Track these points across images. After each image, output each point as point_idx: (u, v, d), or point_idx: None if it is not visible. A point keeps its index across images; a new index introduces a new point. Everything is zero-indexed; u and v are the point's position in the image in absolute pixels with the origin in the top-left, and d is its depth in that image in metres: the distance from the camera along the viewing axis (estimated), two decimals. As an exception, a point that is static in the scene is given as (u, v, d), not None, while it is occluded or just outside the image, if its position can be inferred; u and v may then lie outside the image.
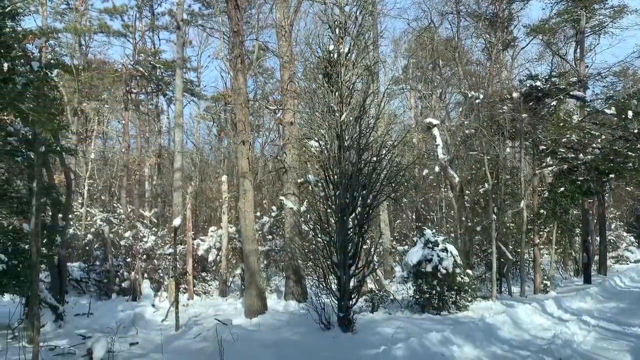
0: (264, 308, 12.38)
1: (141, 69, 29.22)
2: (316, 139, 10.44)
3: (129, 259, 17.03)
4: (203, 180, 32.70)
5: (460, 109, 20.21)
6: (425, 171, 21.12)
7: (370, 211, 10.12)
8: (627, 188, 30.63)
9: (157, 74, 30.65)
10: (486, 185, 15.88)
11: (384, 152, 9.96)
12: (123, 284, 16.13)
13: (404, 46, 31.90)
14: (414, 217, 31.21)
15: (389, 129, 10.96)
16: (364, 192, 9.84)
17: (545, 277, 17.76)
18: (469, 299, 12.97)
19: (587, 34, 25.48)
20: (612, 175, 17.44)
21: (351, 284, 9.93)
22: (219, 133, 34.04)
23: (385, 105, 11.92)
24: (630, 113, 15.72)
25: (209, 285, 18.40)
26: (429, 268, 12.30)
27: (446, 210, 29.06)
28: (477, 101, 15.99)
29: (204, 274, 18.88)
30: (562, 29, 26.91)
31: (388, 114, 14.27)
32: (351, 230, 9.86)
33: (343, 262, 9.67)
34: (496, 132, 16.81)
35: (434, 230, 14.65)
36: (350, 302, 9.70)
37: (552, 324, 10.94)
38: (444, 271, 12.22)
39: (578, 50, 24.72)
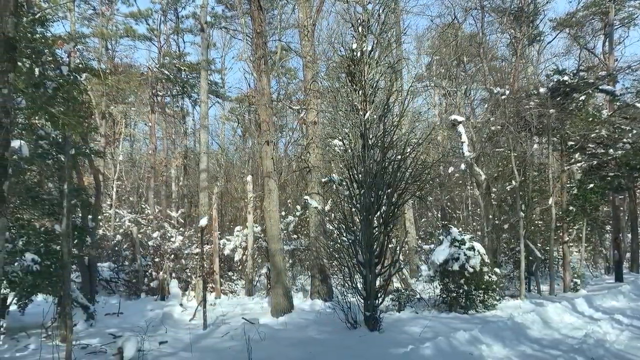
0: (290, 307, 12.43)
1: (166, 72, 29.64)
2: (340, 138, 10.44)
3: (157, 259, 17.31)
4: (228, 180, 33.00)
5: (486, 106, 19.93)
6: (451, 169, 20.89)
7: (396, 210, 10.08)
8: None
9: (182, 76, 31.06)
10: (513, 182, 15.62)
11: (409, 150, 9.89)
12: (151, 284, 16.40)
13: (427, 43, 31.67)
14: (439, 215, 30.94)
15: (413, 127, 10.86)
16: (388, 190, 9.80)
17: (575, 275, 17.40)
18: (497, 297, 12.81)
19: (616, 27, 24.92)
20: (644, 171, 16.97)
21: (377, 283, 9.90)
22: (244, 134, 34.29)
23: (409, 103, 11.82)
24: (662, 106, 15.30)
25: (236, 285, 18.57)
26: (455, 267, 12.18)
27: (472, 208, 28.74)
28: (502, 97, 15.73)
29: (230, 273, 19.07)
30: (590, 22, 26.38)
31: (412, 112, 14.18)
32: (376, 229, 9.84)
33: (369, 261, 9.65)
34: (523, 128, 16.53)
35: (460, 229, 14.51)
36: (377, 301, 9.68)
37: (583, 323, 10.72)
38: (471, 270, 12.09)
39: (607, 43, 24.18)
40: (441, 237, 13.17)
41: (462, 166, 16.11)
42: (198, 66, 26.38)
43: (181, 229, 21.70)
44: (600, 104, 18.79)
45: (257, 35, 12.38)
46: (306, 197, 14.40)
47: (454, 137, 21.63)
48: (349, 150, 10.15)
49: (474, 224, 25.07)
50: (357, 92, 10.06)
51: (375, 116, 9.99)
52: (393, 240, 12.13)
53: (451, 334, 8.10)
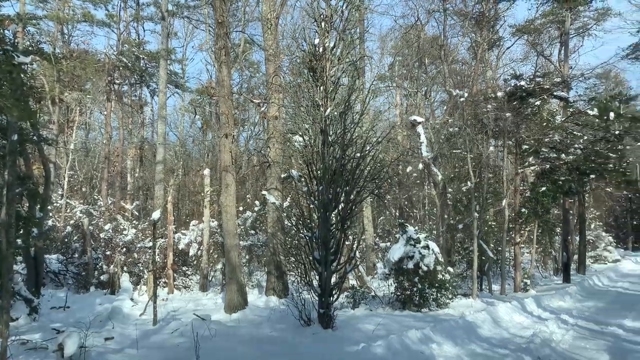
0: (244, 303, 12.26)
1: (124, 60, 28.76)
2: (300, 133, 10.33)
3: (108, 252, 16.77)
4: (186, 173, 32.40)
5: (445, 107, 20.23)
6: (409, 168, 21.12)
7: (353, 207, 10.07)
8: (607, 189, 31.01)
9: (141, 65, 30.21)
10: (469, 183, 15.92)
11: (368, 148, 9.88)
12: (102, 277, 15.90)
13: (390, 43, 31.92)
14: (397, 214, 31.27)
15: (374, 125, 10.87)
16: (347, 188, 9.77)
17: (526, 276, 17.90)
18: (450, 296, 13.01)
19: (571, 36, 25.74)
20: (592, 176, 17.62)
21: (332, 280, 9.87)
22: (204, 126, 33.71)
23: (371, 101, 11.84)
24: (612, 114, 15.88)
25: (190, 280, 18.23)
26: (410, 265, 12.30)
27: (429, 207, 29.17)
28: (461, 99, 15.99)
29: (184, 268, 18.69)
30: (547, 30, 27.14)
31: (373, 111, 14.22)
32: (334, 226, 9.80)
33: (325, 258, 9.60)
34: (480, 131, 16.86)
35: (417, 228, 14.67)
36: (331, 298, 9.64)
37: (531, 323, 11.00)
38: (425, 268, 12.24)
39: (562, 51, 24.95)
40: (397, 236, 13.27)
41: (420, 166, 16.29)
42: (157, 55, 25.70)
43: (135, 221, 21.11)
44: (555, 110, 19.36)
45: (219, 25, 12.12)
46: (264, 192, 14.23)
47: (413, 138, 21.87)
48: (309, 146, 10.06)
49: (430, 223, 25.44)
50: (318, 88, 9.97)
51: (336, 113, 9.93)
52: (350, 237, 12.12)
53: (403, 333, 8.14)
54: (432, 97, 29.50)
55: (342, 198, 9.80)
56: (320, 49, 9.96)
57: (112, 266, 15.78)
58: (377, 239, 25.49)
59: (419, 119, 18.53)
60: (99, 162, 30.06)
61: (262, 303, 13.41)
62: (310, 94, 9.94)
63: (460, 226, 17.60)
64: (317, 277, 9.82)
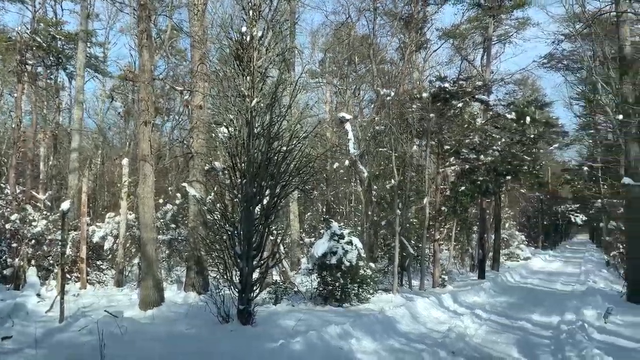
0: (160, 299, 11.75)
1: (39, 39, 26.80)
2: (225, 124, 9.99)
3: (14, 244, 15.53)
4: (105, 163, 30.83)
5: (373, 106, 20.51)
6: (336, 164, 21.24)
7: (278, 202, 9.88)
8: (521, 190, 32.88)
9: (58, 46, 28.29)
10: (392, 181, 16.20)
11: (295, 142, 9.72)
12: (5, 272, 14.69)
13: (321, 39, 31.99)
14: (324, 210, 31.44)
15: (301, 119, 10.74)
16: (272, 182, 9.57)
17: (444, 272, 18.54)
18: (371, 291, 13.17)
19: (493, 42, 26.92)
20: (508, 177, 18.51)
21: (254, 275, 9.64)
22: (126, 114, 32.17)
23: (299, 94, 11.70)
24: (528, 119, 16.74)
25: (105, 275, 17.31)
26: (333, 260, 12.31)
27: (355, 204, 29.56)
28: (388, 98, 16.25)
29: (99, 262, 17.72)
30: (472, 36, 28.27)
31: (302, 105, 14.12)
32: (257, 220, 9.56)
33: (246, 253, 9.35)
34: (405, 130, 17.22)
35: (342, 224, 14.74)
36: (252, 294, 9.42)
37: (447, 318, 11.34)
38: (347, 264, 12.29)
39: (485, 56, 26.03)
40: (322, 231, 13.25)
41: (346, 162, 16.38)
42: (76, 37, 24.16)
43: (46, 212, 19.74)
44: (475, 113, 20.15)
45: (141, 7, 11.49)
46: (185, 184, 13.72)
47: (342, 135, 22.02)
48: (234, 138, 9.75)
49: (356, 219, 25.77)
50: (244, 78, 9.68)
51: (262, 105, 9.69)
52: (274, 232, 11.93)
53: (323, 328, 8.08)
54: (361, 95, 29.91)
55: (266, 192, 9.58)
56: (248, 38, 9.67)
57: (17, 259, 14.63)
58: (304, 235, 25.47)
59: (347, 116, 18.66)
60: (7, 148, 27.90)
61: (181, 299, 12.95)
62: (236, 83, 9.63)
63: (383, 223, 17.91)
64: (238, 273, 9.55)
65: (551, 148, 31.70)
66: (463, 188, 17.90)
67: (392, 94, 16.33)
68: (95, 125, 32.92)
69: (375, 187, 19.46)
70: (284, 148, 9.63)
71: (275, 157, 9.62)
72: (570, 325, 9.47)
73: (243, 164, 9.55)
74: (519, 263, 29.89)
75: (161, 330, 9.05)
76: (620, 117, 13.27)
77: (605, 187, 31.94)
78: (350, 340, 7.88)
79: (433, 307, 12.26)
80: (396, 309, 10.90)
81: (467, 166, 17.77)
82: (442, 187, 18.90)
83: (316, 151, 13.20)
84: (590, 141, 37.68)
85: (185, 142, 16.63)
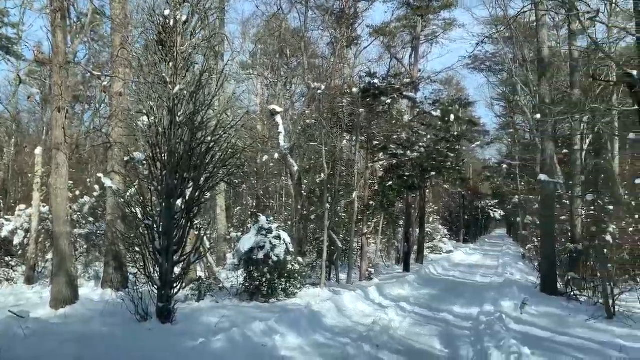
0: (74, 297, 11.03)
1: (-60, 15, 24.43)
2: (145, 112, 9.45)
3: None
4: (19, 152, 28.69)
5: (304, 99, 20.38)
6: (265, 157, 20.93)
7: (202, 194, 9.48)
8: (445, 186, 34.06)
9: (-37, 23, 25.94)
10: (322, 175, 16.16)
11: (220, 132, 9.36)
12: None
13: (252, 30, 31.41)
14: (254, 204, 31.02)
15: (227, 108, 10.38)
16: (195, 173, 9.16)
17: (371, 265, 18.78)
18: (299, 286, 13.04)
19: (421, 42, 27.57)
20: (433, 173, 19.01)
21: (175, 271, 9.21)
22: (43, 102, 30.07)
23: (227, 83, 11.32)
24: (452, 117, 17.25)
25: (14, 272, 16.09)
26: (260, 255, 12.06)
27: (286, 198, 29.38)
28: (319, 92, 16.15)
29: (8, 258, 16.44)
30: (401, 34, 28.81)
31: (231, 95, 13.72)
32: (178, 214, 9.13)
33: (167, 248, 8.90)
34: (335, 125, 17.22)
35: (271, 218, 14.51)
36: (172, 291, 8.99)
37: (373, 311, 11.42)
38: (275, 258, 12.08)
39: (413, 55, 26.64)
40: (249, 225, 12.97)
41: (276, 155, 16.14)
42: (-16, 14, 22.21)
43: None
44: (403, 110, 20.54)
45: (54, -16, 10.65)
46: (100, 175, 12.94)
47: (273, 128, 21.72)
48: (154, 127, 9.24)
49: (286, 213, 25.60)
50: (167, 64, 9.20)
51: (186, 92, 9.25)
52: (198, 226, 11.51)
53: (247, 325, 7.85)
54: (293, 89, 29.69)
55: (189, 184, 9.17)
56: (171, 22, 9.19)
57: None
58: (232, 230, 24.97)
59: (278, 109, 18.40)
60: None
61: (97, 297, 12.24)
62: (157, 68, 9.12)
63: (313, 217, 17.86)
64: (157, 269, 9.08)
65: (473, 146, 33.10)
66: (390, 183, 18.17)
67: (323, 87, 16.23)
68: (7, 112, 30.55)
69: (305, 181, 19.37)
70: (209, 138, 9.25)
71: (199, 148, 9.22)
72: (489, 317, 9.81)
73: (164, 155, 9.08)
74: (442, 256, 30.91)
75: (73, 330, 8.44)
76: (538, 116, 13.93)
77: (522, 184, 33.71)
78: (275, 337, 7.69)
79: (359, 300, 12.33)
80: (323, 303, 10.84)
81: (394, 162, 18.06)
82: (370, 181, 19.12)
83: (244, 143, 12.83)
84: (510, 140, 39.64)
85: (103, 130, 15.71)
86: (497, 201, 52.47)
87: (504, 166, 37.06)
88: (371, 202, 18.52)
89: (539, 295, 13.94)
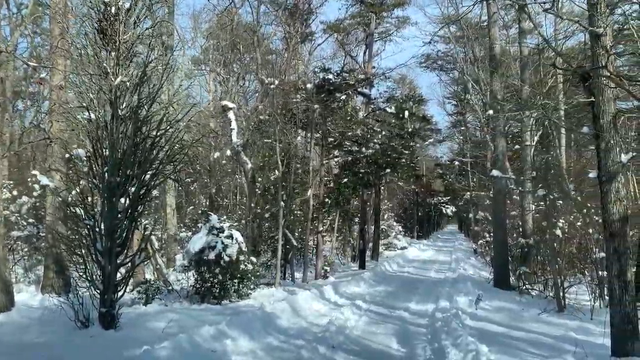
0: (9, 304, 10.24)
1: None
2: (85, 105, 8.85)
3: None
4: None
5: (257, 95, 19.94)
6: (217, 154, 20.36)
7: (147, 192, 8.98)
8: (399, 183, 34.29)
9: None
10: (276, 172, 15.81)
11: (166, 126, 8.87)
12: None
13: (204, 25, 30.61)
14: (207, 203, 30.27)
15: (174, 101, 9.88)
16: (139, 170, 8.65)
17: (327, 263, 18.58)
18: (252, 286, 12.66)
19: (375, 39, 27.58)
20: (388, 170, 18.99)
21: (119, 274, 8.68)
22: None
23: (173, 74, 10.81)
24: (407, 113, 17.27)
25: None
26: (212, 255, 11.61)
27: (240, 197, 28.80)
28: (272, 86, 15.77)
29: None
30: (355, 31, 28.76)
31: (178, 86, 13.17)
32: (122, 213, 8.59)
33: (109, 249, 8.36)
34: (289, 121, 16.90)
35: (224, 217, 14.07)
36: (115, 295, 8.45)
37: (328, 310, 11.19)
38: (227, 259, 11.66)
39: (367, 53, 26.57)
40: (200, 225, 12.48)
41: (228, 152, 15.67)
42: None
43: None
44: (358, 107, 20.43)
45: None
46: (36, 172, 12.15)
47: (225, 124, 21.17)
48: (95, 121, 8.67)
49: (240, 212, 25.07)
50: (108, 54, 8.63)
51: (129, 84, 8.72)
52: (144, 226, 10.95)
53: (195, 330, 7.43)
54: (246, 85, 29.13)
55: (133, 182, 8.64)
56: (113, 10, 8.63)
57: None
58: (185, 229, 24.25)
59: (231, 105, 17.94)
60: None
61: (37, 302, 11.43)
62: (97, 58, 8.55)
63: (267, 215, 17.47)
64: (100, 272, 8.52)
65: (426, 143, 33.44)
66: (346, 180, 18.03)
67: (277, 82, 15.87)
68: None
69: (260, 179, 18.98)
70: (154, 133, 8.75)
71: (144, 143, 8.72)
72: (445, 313, 9.75)
73: (106, 150, 8.52)
74: (397, 252, 31.08)
75: (5, 341, 7.79)
76: (491, 112, 14.07)
77: (475, 180, 34.36)
78: (225, 341, 7.30)
79: (314, 299, 12.07)
80: (277, 304, 10.51)
81: (350, 158, 17.92)
82: (326, 179, 18.90)
83: (191, 137, 12.25)
84: (461, 137, 40.38)
85: (42, 126, 14.79)
86: (449, 198, 53.46)
87: (456, 163, 37.72)
88: (327, 200, 18.31)
89: (492, 290, 14.09)
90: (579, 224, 16.42)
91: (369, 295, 13.62)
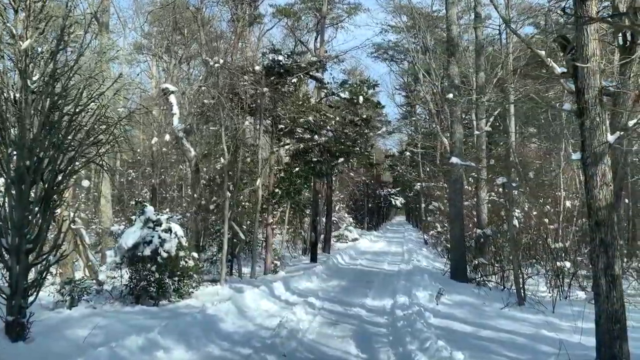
0: None
1: None
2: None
3: None
4: None
5: (201, 77, 18.55)
6: (155, 139, 18.86)
7: (65, 179, 7.65)
8: (350, 173, 33.67)
9: None
10: (222, 159, 14.62)
11: (87, 101, 7.57)
12: None
13: (147, 8, 28.79)
14: (150, 196, 28.61)
15: (97, 73, 8.56)
16: (54, 152, 7.32)
17: (277, 257, 17.57)
18: (194, 284, 11.49)
19: (326, 26, 26.67)
20: (341, 159, 18.09)
21: (30, 275, 7.35)
22: None
23: (94, 39, 9.45)
24: (361, 98, 16.41)
25: None
26: (147, 252, 10.37)
27: (186, 189, 27.29)
28: (216, 65, 14.48)
29: None
30: (306, 17, 27.76)
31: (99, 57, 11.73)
32: (34, 204, 7.24)
33: (17, 247, 7.01)
34: (237, 106, 15.69)
35: (167, 209, 12.82)
36: (25, 300, 7.12)
37: (279, 309, 10.23)
38: (165, 255, 10.45)
39: (318, 39, 25.62)
40: (134, 217, 11.18)
41: (167, 137, 14.34)
42: None
43: None
44: (310, 93, 19.43)
45: None
46: None
47: (167, 111, 19.68)
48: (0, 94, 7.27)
49: (185, 205, 23.66)
50: (16, 14, 7.24)
51: (41, 49, 7.36)
52: (63, 219, 9.56)
53: (120, 341, 6.26)
54: (191, 72, 27.58)
55: (47, 166, 7.31)
56: (21, -39, 7.23)
57: None
58: (125, 223, 22.55)
59: (172, 88, 16.58)
60: None
61: None
62: (3, 19, 7.15)
63: (213, 207, 16.22)
64: (6, 273, 7.17)
65: (379, 132, 32.92)
66: (297, 169, 17.02)
67: (222, 61, 14.60)
68: None
69: (205, 168, 17.73)
70: (73, 109, 7.44)
71: (61, 121, 7.39)
72: (406, 310, 8.96)
73: (14, 129, 7.15)
74: (348, 244, 30.47)
75: None
76: (450, 95, 13.41)
77: (426, 171, 34.16)
78: (157, 353, 6.20)
79: (263, 297, 11.06)
80: (221, 304, 9.43)
81: (301, 146, 16.91)
82: (276, 168, 17.81)
83: (118, 114, 10.75)
84: (413, 128, 40.22)
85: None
86: (399, 189, 53.50)
87: (407, 154, 37.48)
88: (277, 190, 17.21)
89: (449, 283, 13.51)
90: (534, 213, 16.19)
91: (322, 291, 12.74)
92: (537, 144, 20.92)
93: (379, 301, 11.33)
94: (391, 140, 53.27)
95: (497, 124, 17.76)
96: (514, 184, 10.77)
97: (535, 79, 17.70)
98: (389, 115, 45.08)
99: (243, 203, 17.27)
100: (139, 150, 27.35)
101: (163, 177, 27.73)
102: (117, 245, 11.01)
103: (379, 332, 8.25)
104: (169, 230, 10.77)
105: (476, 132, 13.69)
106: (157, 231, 10.59)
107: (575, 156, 6.08)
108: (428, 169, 33.33)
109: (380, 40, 38.78)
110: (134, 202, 13.84)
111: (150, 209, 10.97)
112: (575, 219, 15.40)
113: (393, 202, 58.35)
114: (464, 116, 15.56)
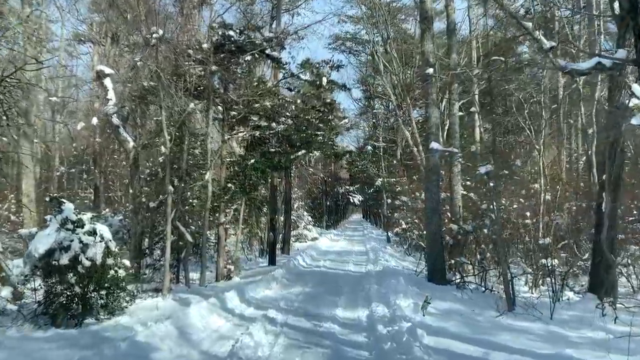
0: None
1: None
2: None
3: None
4: None
5: (140, 55, 16.24)
6: (80, 125, 16.46)
7: None
8: (309, 169, 31.94)
9: None
10: (163, 148, 12.54)
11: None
12: None
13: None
14: (92, 196, 26.00)
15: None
16: None
17: (230, 261, 15.58)
18: (128, 298, 9.40)
19: (282, 11, 24.81)
20: (303, 151, 16.22)
21: None
22: None
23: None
24: (324, 80, 14.64)
25: None
26: (65, 259, 8.22)
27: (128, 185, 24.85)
28: (155, 35, 12.32)
29: None
30: (260, 2, 25.89)
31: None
32: None
33: None
34: (181, 88, 13.59)
35: (107, 209, 10.66)
36: None
37: (232, 327, 8.33)
38: (88, 263, 8.34)
39: (275, 25, 23.73)
40: (49, 217, 8.99)
41: (94, 120, 12.13)
42: None
43: None
44: (267, 77, 17.48)
45: None
46: None
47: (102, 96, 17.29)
48: None
49: (127, 204, 21.27)
50: None
51: None
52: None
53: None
54: (130, 59, 25.11)
55: None
56: None
57: None
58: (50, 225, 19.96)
59: (108, 70, 14.34)
60: None
61: None
62: None
63: (155, 204, 14.06)
64: None
65: (341, 123, 31.31)
66: (253, 161, 15.07)
67: (161, 31, 12.47)
68: None
69: (147, 163, 15.60)
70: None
71: None
72: (390, 326, 7.24)
73: None
74: (308, 244, 28.81)
75: None
76: (431, 70, 11.81)
77: (396, 163, 32.81)
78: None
79: (213, 312, 9.13)
80: (158, 325, 7.43)
81: (257, 134, 14.95)
82: (229, 160, 15.77)
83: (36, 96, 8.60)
84: (374, 121, 38.88)
85: None
86: (357, 186, 52.26)
87: (369, 147, 36.07)
88: (230, 185, 15.19)
89: (428, 286, 11.92)
90: (515, 206, 14.90)
91: (284, 301, 10.87)
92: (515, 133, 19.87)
93: (352, 312, 9.60)
94: (349, 137, 51.99)
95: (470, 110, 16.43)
96: (504, 172, 9.24)
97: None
98: (346, 111, 43.67)
99: (191, 200, 15.18)
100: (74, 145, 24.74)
101: (107, 174, 25.16)
102: (26, 253, 8.79)
103: (359, 356, 6.48)
104: (93, 232, 8.65)
105: (460, 114, 12.17)
106: (77, 234, 8.46)
107: (635, 120, 4.52)
108: (388, 164, 31.98)
109: (337, 31, 37.24)
110: (49, 198, 11.50)
111: (69, 207, 8.81)
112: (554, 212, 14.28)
113: (351, 200, 57.21)
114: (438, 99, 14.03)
